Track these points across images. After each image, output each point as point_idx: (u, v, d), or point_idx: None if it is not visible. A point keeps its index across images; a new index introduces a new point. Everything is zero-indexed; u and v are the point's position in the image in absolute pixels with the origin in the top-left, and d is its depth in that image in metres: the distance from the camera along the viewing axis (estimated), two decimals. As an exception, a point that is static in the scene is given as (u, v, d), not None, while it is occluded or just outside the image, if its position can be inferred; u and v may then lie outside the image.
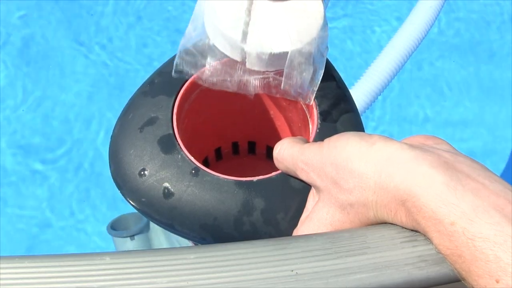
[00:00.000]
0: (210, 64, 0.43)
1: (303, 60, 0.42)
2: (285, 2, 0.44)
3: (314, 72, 0.43)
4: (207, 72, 0.43)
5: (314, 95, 0.44)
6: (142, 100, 0.48)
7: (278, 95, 0.44)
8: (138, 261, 0.31)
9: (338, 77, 0.50)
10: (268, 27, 0.42)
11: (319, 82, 0.44)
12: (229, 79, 0.43)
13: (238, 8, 0.43)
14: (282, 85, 0.43)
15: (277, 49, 0.42)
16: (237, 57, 0.42)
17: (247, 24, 0.42)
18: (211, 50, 0.43)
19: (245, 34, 0.42)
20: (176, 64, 0.43)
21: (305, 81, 0.43)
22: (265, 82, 0.43)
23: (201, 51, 0.43)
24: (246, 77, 0.43)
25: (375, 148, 0.35)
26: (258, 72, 0.43)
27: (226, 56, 0.43)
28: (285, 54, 0.42)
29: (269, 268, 0.31)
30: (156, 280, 0.30)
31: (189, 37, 0.43)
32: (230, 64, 0.43)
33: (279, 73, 0.43)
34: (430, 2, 0.96)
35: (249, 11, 0.43)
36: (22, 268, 0.29)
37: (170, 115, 0.46)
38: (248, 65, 0.42)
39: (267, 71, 0.43)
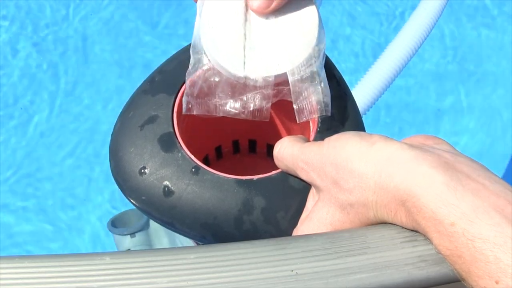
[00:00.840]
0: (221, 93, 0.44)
1: (307, 84, 0.43)
2: (279, 17, 0.44)
3: (322, 85, 0.44)
4: (219, 101, 0.44)
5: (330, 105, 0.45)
6: (142, 99, 0.48)
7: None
8: (138, 261, 0.31)
9: (338, 76, 0.50)
10: (266, 49, 0.43)
11: (328, 90, 0.44)
12: (243, 106, 0.44)
13: (235, 33, 0.43)
14: (297, 119, 0.44)
15: (278, 71, 0.43)
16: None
17: (244, 48, 0.43)
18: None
19: (245, 62, 0.43)
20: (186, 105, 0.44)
21: (318, 101, 0.44)
22: (276, 93, 0.44)
23: (209, 86, 0.44)
24: (257, 101, 0.44)
25: (375, 148, 0.35)
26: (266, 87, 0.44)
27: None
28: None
29: (269, 268, 0.31)
30: (156, 280, 0.30)
31: (194, 71, 0.44)
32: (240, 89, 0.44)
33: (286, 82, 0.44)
34: (433, 2, 0.96)
35: (244, 36, 0.43)
36: (22, 268, 0.29)
37: (171, 113, 0.46)
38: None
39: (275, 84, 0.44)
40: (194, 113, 0.45)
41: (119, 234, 0.89)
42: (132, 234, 0.87)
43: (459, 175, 0.32)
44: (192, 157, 0.44)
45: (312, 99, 0.44)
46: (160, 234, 0.88)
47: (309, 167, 0.40)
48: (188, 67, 0.46)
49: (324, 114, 0.44)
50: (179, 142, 0.44)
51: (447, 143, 0.38)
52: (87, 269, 0.30)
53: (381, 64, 0.89)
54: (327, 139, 0.39)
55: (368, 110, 0.87)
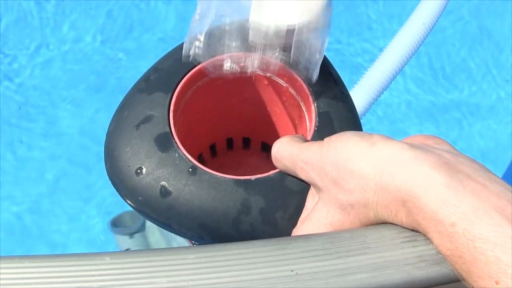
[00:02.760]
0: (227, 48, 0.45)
1: (311, 34, 0.43)
2: None
3: (322, 45, 0.44)
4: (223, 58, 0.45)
5: (318, 74, 0.46)
6: (137, 98, 0.47)
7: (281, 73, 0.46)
8: (138, 261, 0.30)
9: (335, 74, 0.50)
10: (279, 2, 0.43)
11: (322, 57, 0.45)
12: (244, 63, 0.45)
13: None
14: (291, 58, 0.44)
15: (291, 23, 0.43)
16: (256, 36, 0.44)
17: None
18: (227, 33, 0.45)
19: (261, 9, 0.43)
20: (186, 51, 0.44)
21: (313, 55, 0.44)
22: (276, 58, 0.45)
23: (214, 36, 0.44)
24: (266, 51, 0.45)
25: (376, 148, 0.35)
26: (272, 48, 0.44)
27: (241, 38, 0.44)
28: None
29: (269, 268, 0.31)
30: (156, 280, 0.30)
31: (200, 21, 0.44)
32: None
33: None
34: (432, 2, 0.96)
35: None
36: (22, 268, 0.29)
37: (167, 112, 0.46)
38: (264, 42, 0.44)
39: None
40: (200, 60, 0.45)
41: (118, 234, 0.89)
42: (131, 235, 0.87)
43: (460, 175, 0.32)
44: (189, 157, 0.44)
45: (311, 50, 0.44)
46: (156, 235, 0.88)
47: (309, 167, 0.39)
48: (182, 65, 0.46)
49: (313, 79, 0.46)
50: (175, 142, 0.44)
51: (447, 143, 0.38)
52: (87, 269, 0.29)
53: (380, 65, 0.89)
54: (327, 139, 0.39)
55: (368, 111, 0.87)
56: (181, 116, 0.49)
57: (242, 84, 0.52)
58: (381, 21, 1.63)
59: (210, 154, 0.62)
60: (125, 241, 0.87)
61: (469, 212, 0.30)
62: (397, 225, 0.35)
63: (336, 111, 0.47)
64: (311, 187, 0.41)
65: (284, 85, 0.50)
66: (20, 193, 1.30)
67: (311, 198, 0.41)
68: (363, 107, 0.86)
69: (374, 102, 0.88)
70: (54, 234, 1.24)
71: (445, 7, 0.96)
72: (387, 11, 1.63)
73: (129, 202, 0.44)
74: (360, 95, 0.86)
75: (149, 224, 0.89)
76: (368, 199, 0.35)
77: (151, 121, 0.45)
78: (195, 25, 0.44)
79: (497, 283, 0.29)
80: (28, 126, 1.39)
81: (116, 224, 0.91)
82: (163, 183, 0.43)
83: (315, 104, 0.47)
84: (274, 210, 0.42)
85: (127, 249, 0.86)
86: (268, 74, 0.50)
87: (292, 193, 0.42)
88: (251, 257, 0.32)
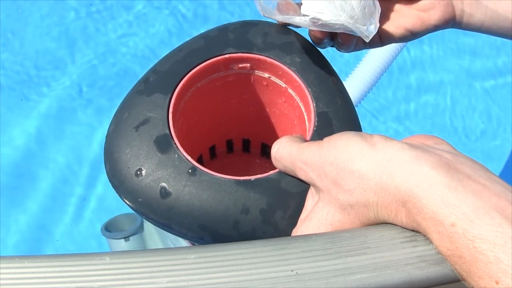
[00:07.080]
0: None
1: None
2: None
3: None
4: None
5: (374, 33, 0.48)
6: (137, 99, 0.47)
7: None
8: (138, 261, 0.31)
9: (334, 73, 0.50)
10: None
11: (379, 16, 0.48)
12: None
13: None
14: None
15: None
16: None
17: None
18: None
19: None
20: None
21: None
22: None
23: None
24: None
25: (376, 149, 0.35)
26: None
27: None
28: None
29: (269, 268, 0.31)
30: (156, 280, 0.30)
31: None
32: None
33: None
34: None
35: None
36: (22, 268, 0.29)
37: (166, 114, 0.46)
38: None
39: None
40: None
41: (113, 238, 0.88)
42: (126, 238, 0.87)
43: (460, 176, 0.32)
44: (189, 158, 0.44)
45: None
46: (154, 237, 0.88)
47: (308, 167, 0.39)
48: (181, 67, 0.46)
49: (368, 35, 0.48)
50: (175, 143, 0.44)
51: (447, 143, 0.38)
52: (87, 269, 0.29)
53: (371, 57, 0.90)
54: (326, 139, 0.39)
55: (360, 103, 0.87)
56: (181, 118, 0.49)
57: (241, 85, 0.52)
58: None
59: (209, 156, 0.62)
60: (119, 245, 0.86)
61: (469, 212, 0.30)
62: (397, 225, 0.35)
63: (335, 111, 0.47)
64: (311, 187, 0.41)
65: (283, 85, 0.50)
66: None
67: (311, 198, 0.41)
68: (354, 100, 0.87)
69: (367, 93, 0.88)
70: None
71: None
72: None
73: (129, 203, 0.44)
74: (353, 86, 0.87)
75: (148, 225, 0.89)
76: (368, 199, 0.35)
77: (151, 122, 0.45)
78: None
79: (497, 283, 0.29)
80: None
81: (109, 228, 0.90)
82: (163, 184, 0.43)
83: (314, 104, 0.47)
84: (274, 210, 0.42)
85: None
86: (267, 75, 0.50)
87: (291, 193, 0.43)
88: (251, 257, 0.32)
